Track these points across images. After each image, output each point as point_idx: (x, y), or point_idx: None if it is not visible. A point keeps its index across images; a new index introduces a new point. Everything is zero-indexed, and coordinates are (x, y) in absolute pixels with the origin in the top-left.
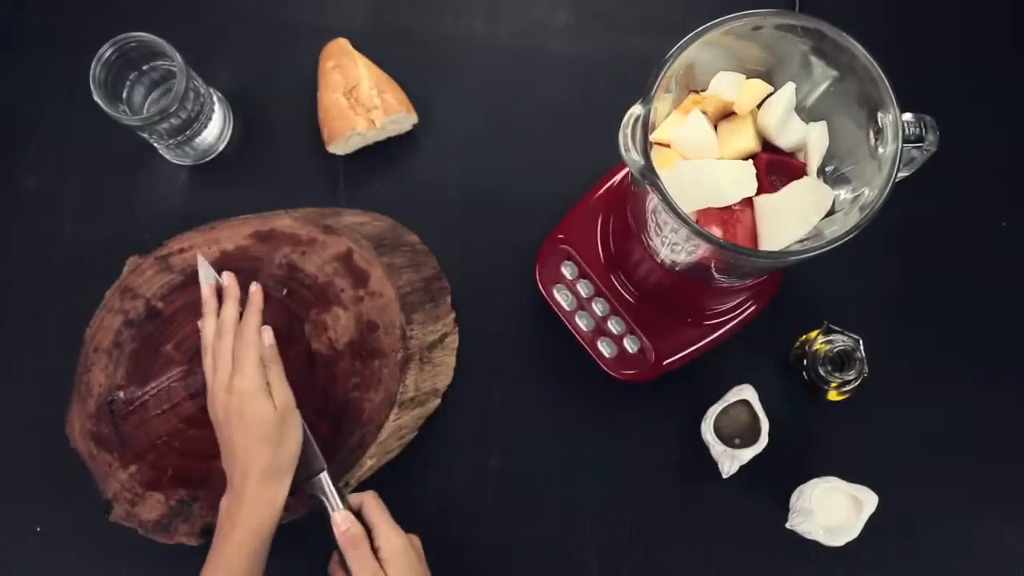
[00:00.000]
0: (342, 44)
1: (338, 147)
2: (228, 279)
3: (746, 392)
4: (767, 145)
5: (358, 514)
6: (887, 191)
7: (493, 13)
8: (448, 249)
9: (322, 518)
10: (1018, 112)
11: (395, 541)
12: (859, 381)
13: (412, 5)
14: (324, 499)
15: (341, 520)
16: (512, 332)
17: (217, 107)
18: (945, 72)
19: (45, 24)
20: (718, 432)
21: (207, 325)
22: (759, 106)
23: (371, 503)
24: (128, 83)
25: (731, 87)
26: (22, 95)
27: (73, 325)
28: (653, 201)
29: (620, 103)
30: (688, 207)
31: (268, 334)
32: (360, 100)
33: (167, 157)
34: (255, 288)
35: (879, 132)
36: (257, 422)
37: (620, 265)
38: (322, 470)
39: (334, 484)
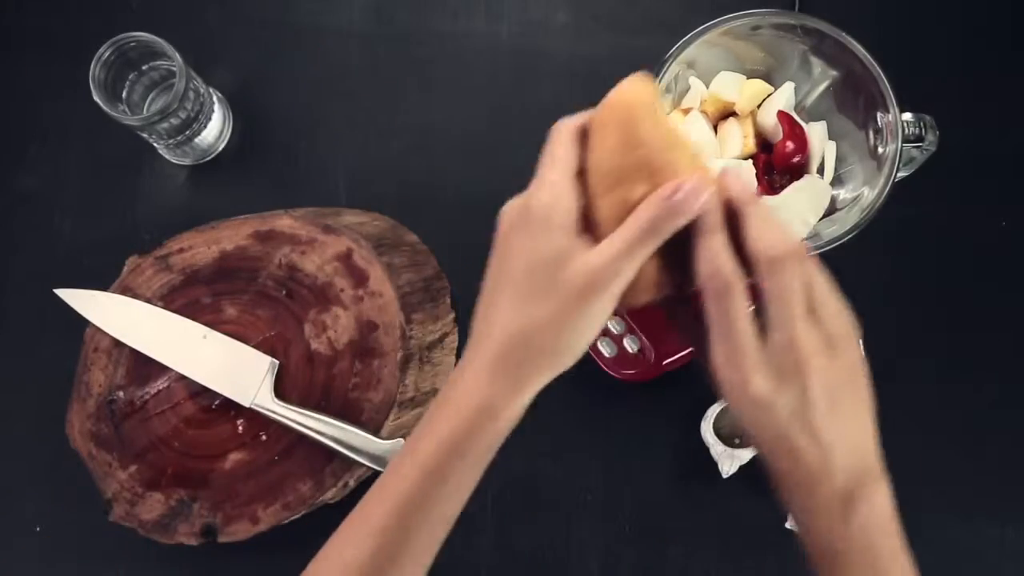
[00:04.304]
0: None
1: None
2: None
3: None
4: (767, 145)
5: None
6: (887, 191)
7: (493, 13)
8: (448, 249)
9: (324, 515)
10: (1018, 112)
11: (830, 306)
12: None
13: (412, 5)
14: None
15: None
16: None
17: (217, 107)
18: (945, 72)
19: (45, 24)
20: (718, 432)
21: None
22: (759, 106)
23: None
24: (128, 83)
25: (731, 87)
26: (22, 95)
27: (73, 325)
28: None
29: None
30: None
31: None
32: None
33: (167, 157)
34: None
35: (879, 132)
36: (524, 264)
37: None
38: None
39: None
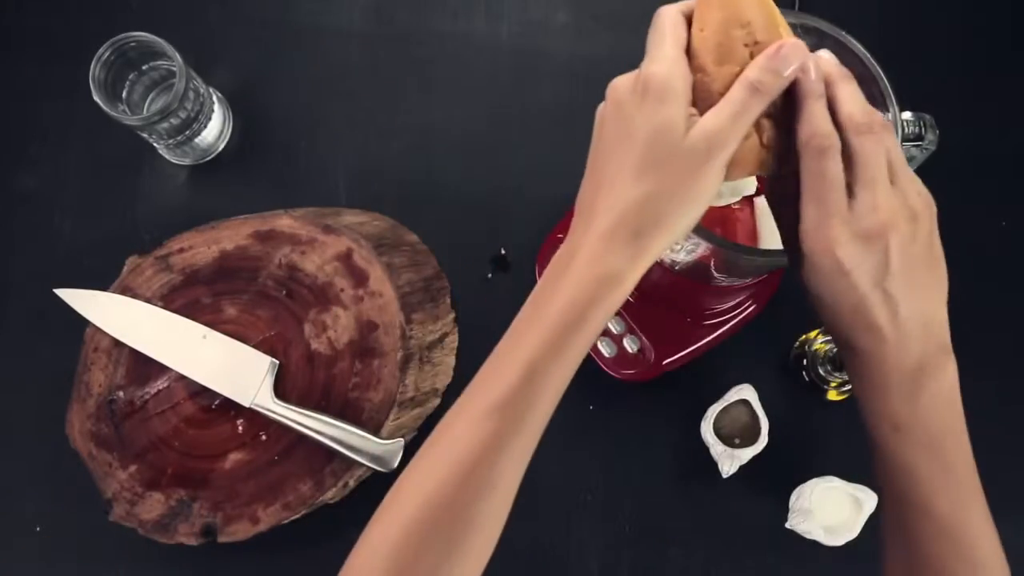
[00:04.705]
0: None
1: None
2: None
3: (746, 392)
4: None
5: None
6: None
7: (493, 13)
8: (448, 249)
9: (324, 515)
10: (1018, 112)
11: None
12: None
13: (412, 5)
14: None
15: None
16: None
17: (217, 107)
18: (945, 72)
19: (45, 24)
20: (718, 432)
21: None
22: None
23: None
24: (128, 83)
25: None
26: (22, 95)
27: (73, 325)
28: None
29: None
30: None
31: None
32: None
33: (167, 157)
34: None
35: None
36: (644, 135)
37: None
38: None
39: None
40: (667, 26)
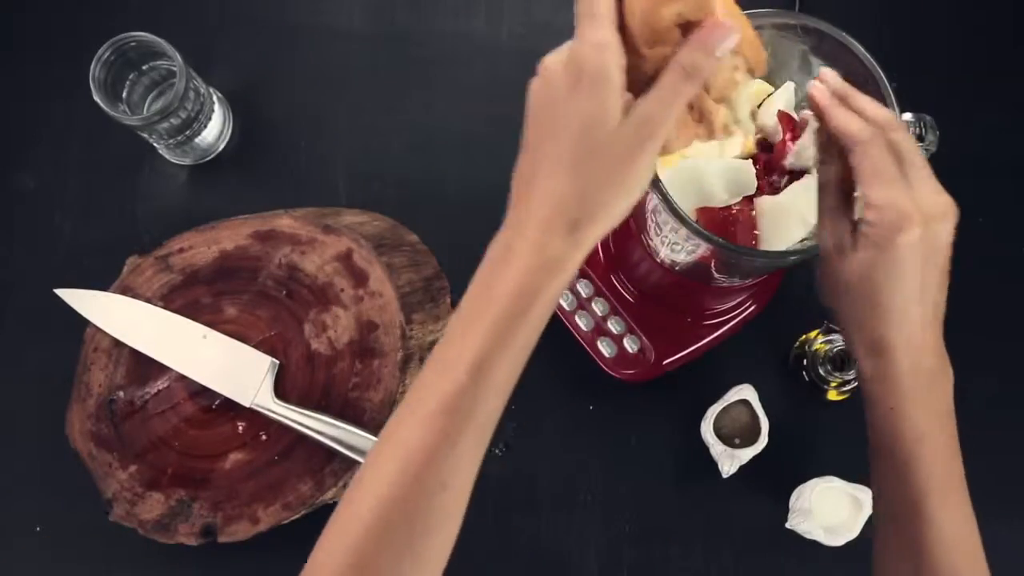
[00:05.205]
0: None
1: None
2: None
3: (746, 392)
4: (767, 145)
5: None
6: None
7: (494, 13)
8: (448, 249)
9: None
10: (1018, 113)
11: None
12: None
13: (412, 5)
14: None
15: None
16: None
17: (217, 107)
18: (945, 72)
19: (45, 24)
20: (718, 432)
21: None
22: (759, 106)
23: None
24: (128, 83)
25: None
26: (22, 95)
27: (73, 325)
28: (653, 201)
29: None
30: (686, 206)
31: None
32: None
33: (167, 157)
34: None
35: None
36: (578, 124)
37: (620, 265)
38: None
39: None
40: (597, 3)
